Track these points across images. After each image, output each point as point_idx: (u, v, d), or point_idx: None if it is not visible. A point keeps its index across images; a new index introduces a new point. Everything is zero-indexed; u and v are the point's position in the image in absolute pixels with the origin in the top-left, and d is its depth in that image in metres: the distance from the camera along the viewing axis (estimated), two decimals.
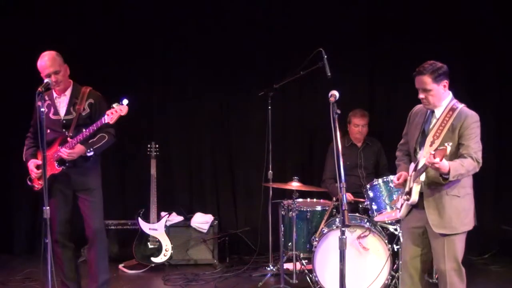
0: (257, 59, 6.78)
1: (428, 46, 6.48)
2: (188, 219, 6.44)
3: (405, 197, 3.91)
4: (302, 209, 5.41)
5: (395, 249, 4.98)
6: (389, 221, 5.13)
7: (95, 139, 4.46)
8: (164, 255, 6.03)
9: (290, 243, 5.35)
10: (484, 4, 6.46)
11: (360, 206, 5.38)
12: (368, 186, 5.15)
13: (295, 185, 5.31)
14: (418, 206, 3.85)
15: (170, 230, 6.18)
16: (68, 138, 4.39)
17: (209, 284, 5.61)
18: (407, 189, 3.90)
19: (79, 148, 4.38)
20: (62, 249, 4.62)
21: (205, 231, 6.33)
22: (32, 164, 4.52)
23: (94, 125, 4.34)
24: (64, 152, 4.35)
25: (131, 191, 6.78)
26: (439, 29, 6.55)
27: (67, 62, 4.55)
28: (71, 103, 4.52)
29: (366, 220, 5.11)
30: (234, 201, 6.96)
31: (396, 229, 5.08)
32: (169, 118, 6.83)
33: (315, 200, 5.65)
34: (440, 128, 3.76)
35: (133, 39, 6.65)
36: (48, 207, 3.89)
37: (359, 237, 4.93)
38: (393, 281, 4.98)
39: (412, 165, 3.94)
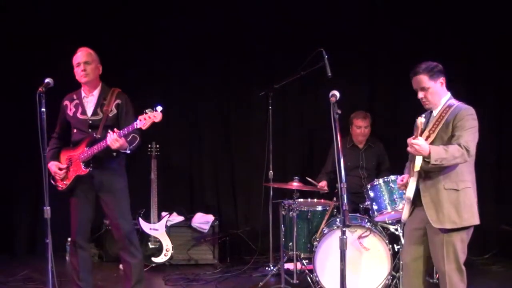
0: (257, 59, 6.78)
1: (429, 45, 6.50)
2: (188, 219, 6.44)
3: (405, 196, 3.92)
4: (302, 209, 5.42)
5: (396, 249, 4.98)
6: (390, 221, 5.14)
7: (130, 139, 4.40)
8: (165, 255, 6.03)
9: (291, 243, 5.35)
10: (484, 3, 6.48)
11: (361, 206, 5.38)
12: (368, 186, 5.15)
13: (295, 185, 5.31)
14: (417, 204, 3.84)
15: (170, 230, 6.18)
16: (115, 129, 4.30)
17: (209, 284, 5.61)
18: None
19: (124, 142, 4.30)
20: (79, 250, 4.53)
21: (205, 231, 6.33)
22: (54, 166, 4.48)
23: (126, 129, 4.27)
24: (111, 137, 4.24)
25: (132, 191, 6.62)
26: (439, 29, 6.57)
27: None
28: (99, 104, 4.50)
29: (366, 220, 5.11)
30: (234, 201, 6.96)
31: (396, 229, 5.08)
32: (170, 118, 6.83)
33: (315, 200, 5.66)
34: (436, 123, 3.79)
35: (133, 38, 6.65)
36: (49, 207, 3.87)
37: (359, 237, 4.93)
38: (394, 281, 4.98)
39: None
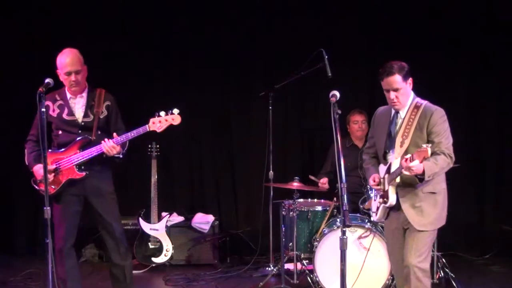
0: (258, 59, 6.78)
1: (428, 45, 6.51)
2: (189, 219, 6.44)
3: (380, 200, 3.90)
4: (302, 209, 5.41)
5: None
6: None
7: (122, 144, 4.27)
8: (165, 255, 6.03)
9: (291, 243, 5.35)
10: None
11: (361, 206, 5.38)
12: (369, 186, 5.12)
13: (296, 185, 5.31)
14: (394, 208, 3.85)
15: (171, 230, 6.18)
16: (114, 134, 4.20)
17: (210, 284, 5.61)
18: (381, 192, 3.89)
19: (119, 148, 4.21)
20: (65, 259, 4.31)
21: (206, 231, 6.33)
22: (43, 169, 4.15)
23: (135, 131, 4.17)
24: (108, 144, 4.13)
25: (132, 191, 6.78)
26: (439, 28, 6.57)
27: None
28: (89, 105, 4.33)
29: (367, 220, 5.11)
30: (235, 201, 6.96)
31: None
32: None
33: (315, 200, 5.66)
34: (407, 127, 3.76)
35: (133, 38, 6.66)
36: (49, 207, 3.79)
37: (360, 237, 4.93)
38: (394, 282, 4.96)
39: (382, 167, 3.94)
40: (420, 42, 6.54)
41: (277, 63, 6.73)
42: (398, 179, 3.73)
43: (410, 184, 3.75)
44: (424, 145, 3.50)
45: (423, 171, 3.58)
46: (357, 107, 6.05)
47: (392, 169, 3.78)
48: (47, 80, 4.00)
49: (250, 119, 6.86)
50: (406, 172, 3.60)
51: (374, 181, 3.92)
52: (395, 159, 3.77)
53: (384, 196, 3.86)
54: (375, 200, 4.02)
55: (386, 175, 3.84)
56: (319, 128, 6.64)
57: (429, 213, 3.76)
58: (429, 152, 3.47)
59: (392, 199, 3.80)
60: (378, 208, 3.96)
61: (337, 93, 3.58)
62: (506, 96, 6.61)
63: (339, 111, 3.49)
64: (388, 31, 6.61)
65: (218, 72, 6.83)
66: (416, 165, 3.53)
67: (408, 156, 3.56)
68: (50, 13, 6.56)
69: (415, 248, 3.74)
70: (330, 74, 5.09)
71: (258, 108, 6.59)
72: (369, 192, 5.07)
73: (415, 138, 3.73)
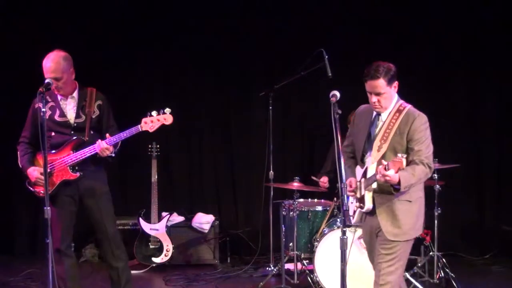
0: (258, 59, 6.78)
1: (427, 45, 6.51)
2: (189, 219, 6.44)
3: (357, 205, 3.80)
4: (303, 209, 5.42)
5: None
6: None
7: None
8: (165, 255, 6.03)
9: (291, 243, 5.35)
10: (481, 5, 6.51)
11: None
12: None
13: (296, 185, 5.31)
14: (370, 213, 3.74)
15: (171, 230, 6.18)
16: (107, 134, 4.19)
17: (210, 284, 5.62)
18: (358, 196, 3.78)
19: (112, 149, 4.20)
20: (64, 258, 4.32)
21: (206, 231, 6.33)
22: (36, 172, 4.23)
23: (128, 131, 4.16)
24: (101, 146, 4.12)
25: (132, 191, 6.78)
26: (437, 29, 6.58)
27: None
28: (80, 106, 4.29)
29: None
30: (235, 201, 6.96)
31: None
32: None
33: (316, 200, 5.66)
34: (387, 131, 3.64)
35: (133, 38, 6.66)
36: (49, 208, 3.75)
37: (360, 237, 4.92)
38: None
39: (359, 169, 3.82)
40: (420, 41, 6.54)
41: (277, 63, 6.73)
42: (375, 185, 3.60)
43: (387, 191, 3.62)
44: (399, 155, 3.40)
45: (399, 181, 3.47)
46: (357, 107, 6.03)
47: (368, 174, 3.66)
48: (47, 80, 4.01)
49: (250, 119, 6.86)
50: (381, 180, 3.50)
51: (351, 186, 3.78)
52: (371, 164, 3.65)
53: (361, 201, 3.76)
54: (352, 203, 3.92)
55: (363, 179, 3.73)
56: (319, 128, 6.64)
57: (404, 222, 3.63)
58: (404, 163, 3.37)
59: (368, 205, 3.69)
60: (354, 212, 3.86)
61: (337, 93, 3.57)
62: (506, 96, 6.62)
63: (339, 111, 3.48)
64: (388, 31, 6.61)
65: (218, 72, 6.83)
66: (392, 175, 3.42)
67: (385, 163, 3.44)
68: (51, 13, 6.56)
69: (386, 259, 3.65)
70: (330, 74, 5.08)
71: (258, 108, 6.60)
72: None
73: (393, 143, 3.61)
